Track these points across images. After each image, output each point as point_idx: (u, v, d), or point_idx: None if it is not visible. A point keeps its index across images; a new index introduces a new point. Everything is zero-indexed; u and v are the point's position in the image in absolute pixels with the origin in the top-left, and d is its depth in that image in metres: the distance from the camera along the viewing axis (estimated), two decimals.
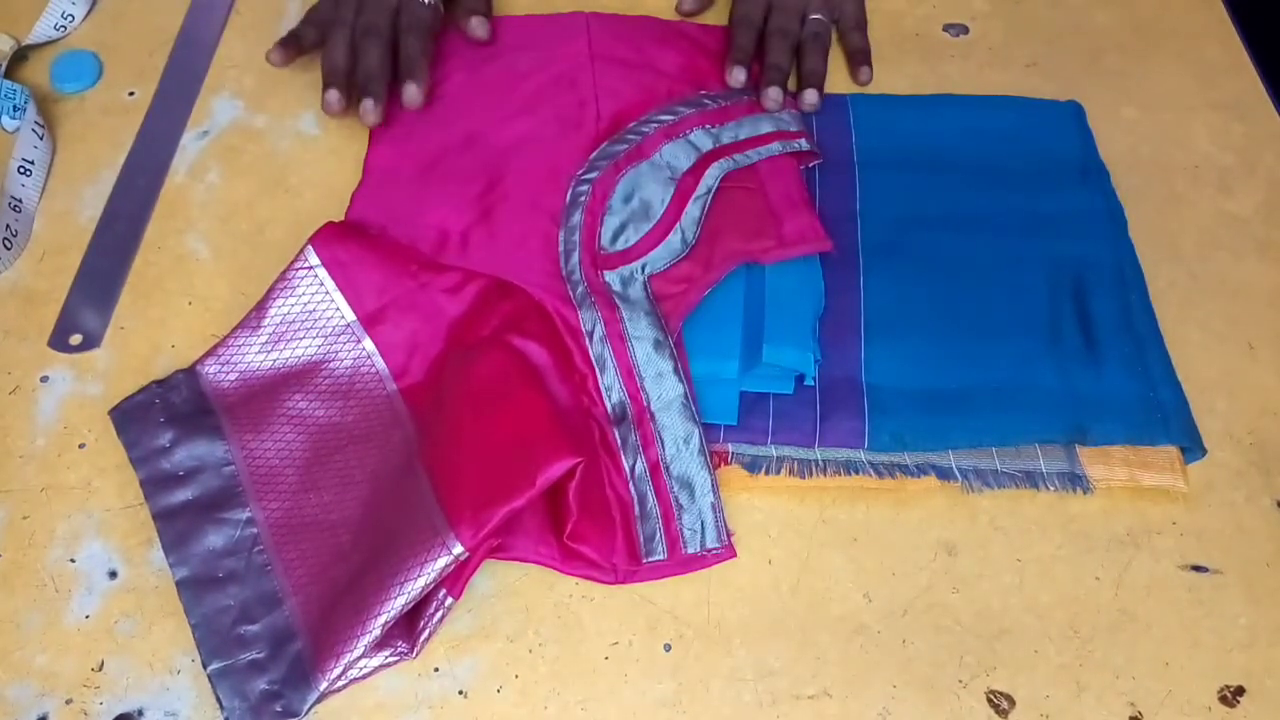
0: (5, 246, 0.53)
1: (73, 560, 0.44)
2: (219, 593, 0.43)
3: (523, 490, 0.41)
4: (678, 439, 0.46)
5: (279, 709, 0.40)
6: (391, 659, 0.41)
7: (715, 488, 0.45)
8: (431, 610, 0.42)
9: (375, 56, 0.57)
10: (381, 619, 0.40)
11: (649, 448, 0.46)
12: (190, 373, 0.48)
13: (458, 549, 0.40)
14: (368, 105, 0.55)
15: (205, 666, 0.41)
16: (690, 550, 0.44)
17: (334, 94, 0.56)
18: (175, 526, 0.44)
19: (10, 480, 0.46)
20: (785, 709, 0.41)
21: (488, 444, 0.43)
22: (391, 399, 0.47)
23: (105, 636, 0.43)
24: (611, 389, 0.47)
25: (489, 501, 0.41)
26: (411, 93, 0.56)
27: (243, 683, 0.41)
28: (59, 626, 0.43)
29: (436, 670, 0.42)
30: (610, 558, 0.43)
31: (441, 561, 0.40)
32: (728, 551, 0.44)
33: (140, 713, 0.41)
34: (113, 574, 0.44)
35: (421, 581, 0.40)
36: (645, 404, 0.46)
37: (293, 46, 0.59)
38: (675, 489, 0.45)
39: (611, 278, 0.50)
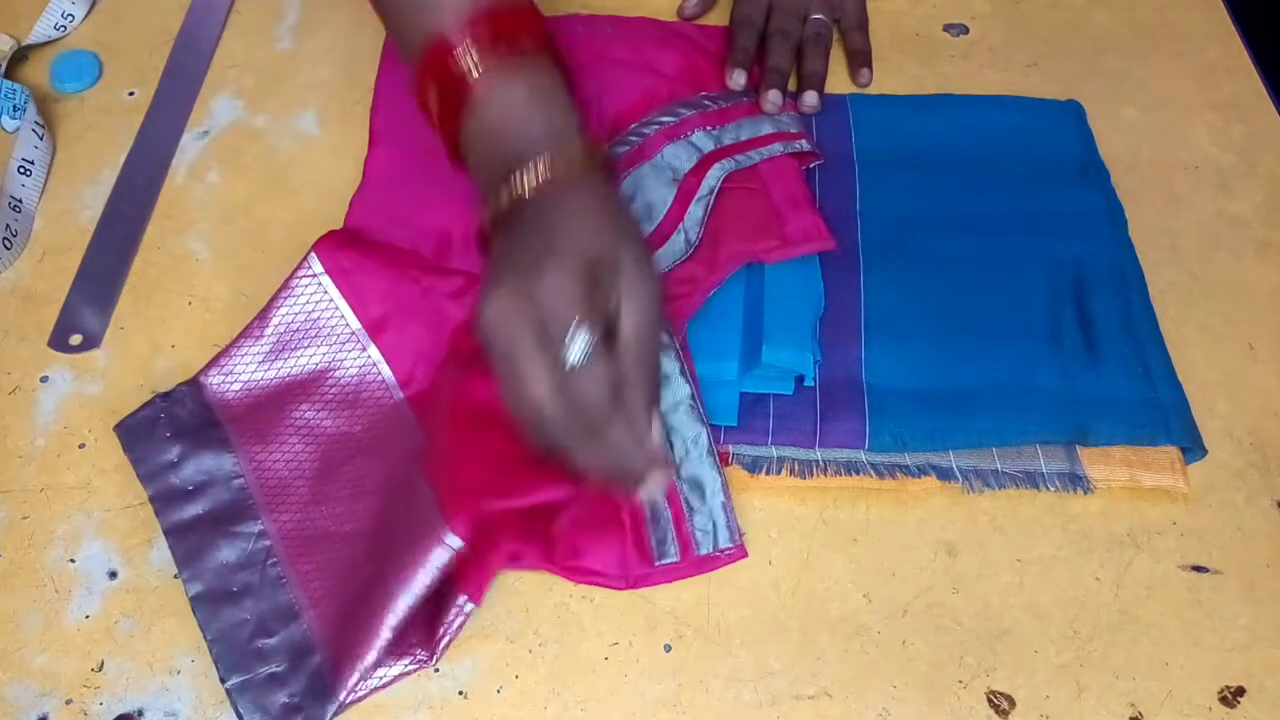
0: (5, 246, 0.53)
1: (73, 560, 0.44)
2: (234, 607, 0.42)
3: (517, 497, 0.41)
4: (686, 440, 0.46)
5: None
6: (412, 667, 0.41)
7: (725, 487, 0.45)
8: (451, 617, 0.41)
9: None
10: (390, 622, 0.40)
11: None
12: (194, 384, 0.48)
13: (454, 541, 0.40)
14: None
15: (224, 682, 0.41)
16: (702, 551, 0.44)
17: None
18: (187, 542, 0.44)
19: (10, 480, 0.46)
20: (785, 709, 0.41)
21: (485, 456, 0.43)
22: (400, 407, 0.47)
23: (105, 637, 0.43)
24: None
25: (484, 497, 0.41)
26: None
27: (262, 696, 0.41)
28: (59, 626, 0.43)
29: (437, 670, 0.42)
30: (620, 568, 0.43)
31: (439, 555, 0.40)
32: (740, 551, 0.44)
33: (140, 713, 0.41)
34: (113, 574, 0.44)
35: (424, 580, 0.40)
36: None
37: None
38: (686, 490, 0.45)
39: None
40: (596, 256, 0.38)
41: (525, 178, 0.40)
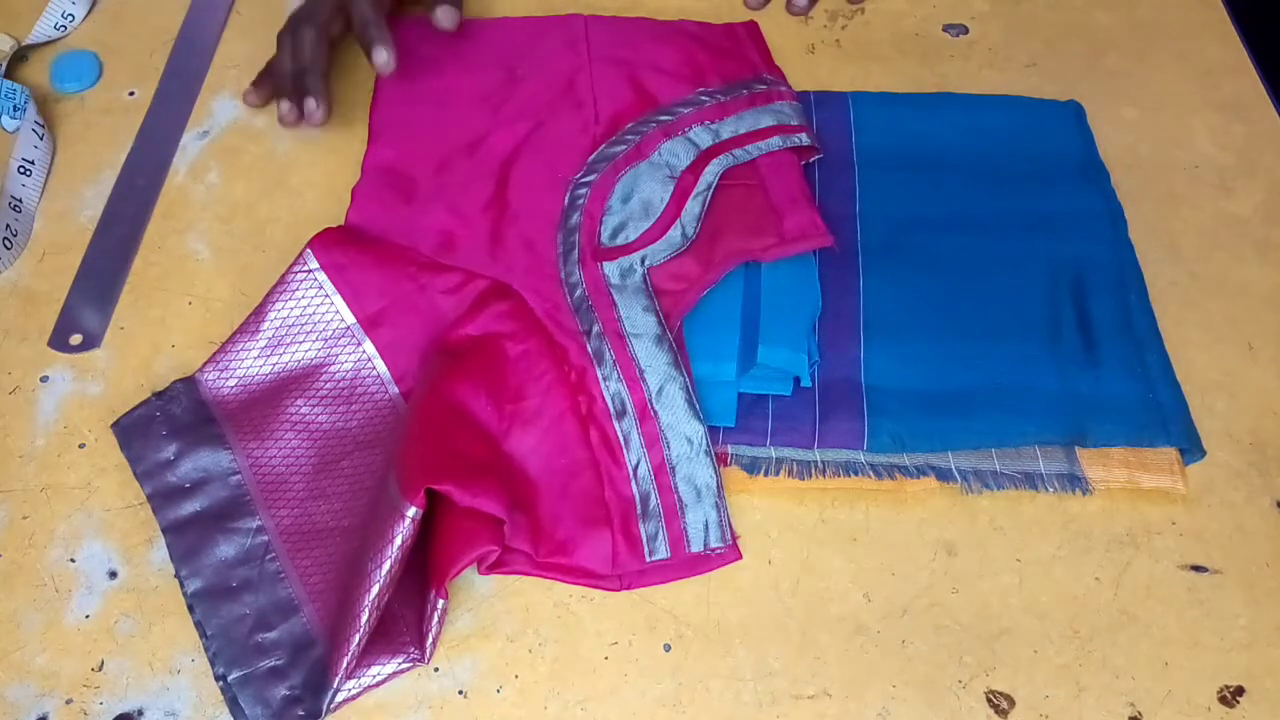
0: (5, 246, 0.53)
1: (73, 560, 0.44)
2: (234, 602, 0.42)
3: (465, 487, 0.41)
4: (681, 436, 0.46)
5: (301, 713, 0.40)
6: (405, 665, 0.41)
7: (720, 486, 0.45)
8: (429, 614, 0.41)
9: (307, 45, 0.55)
10: (367, 601, 0.40)
11: (653, 445, 0.45)
12: (189, 381, 0.48)
13: (409, 510, 0.40)
14: (309, 105, 0.53)
15: (224, 678, 0.41)
16: (694, 549, 0.44)
17: (284, 104, 0.55)
18: (185, 539, 0.44)
19: (10, 480, 0.46)
20: (785, 709, 0.41)
21: (447, 445, 0.43)
22: (394, 403, 0.47)
23: (105, 636, 0.43)
24: (609, 379, 0.47)
25: (437, 473, 0.41)
26: (382, 58, 0.53)
27: (264, 690, 0.41)
28: (59, 626, 0.43)
29: (436, 670, 0.42)
30: (610, 565, 0.43)
31: (400, 530, 0.40)
32: (732, 552, 0.44)
33: (140, 712, 0.41)
34: (113, 574, 0.44)
35: (391, 557, 0.40)
36: (647, 400, 0.46)
37: (267, 83, 0.58)
38: (679, 487, 0.45)
39: (610, 269, 0.50)
40: None
41: None
